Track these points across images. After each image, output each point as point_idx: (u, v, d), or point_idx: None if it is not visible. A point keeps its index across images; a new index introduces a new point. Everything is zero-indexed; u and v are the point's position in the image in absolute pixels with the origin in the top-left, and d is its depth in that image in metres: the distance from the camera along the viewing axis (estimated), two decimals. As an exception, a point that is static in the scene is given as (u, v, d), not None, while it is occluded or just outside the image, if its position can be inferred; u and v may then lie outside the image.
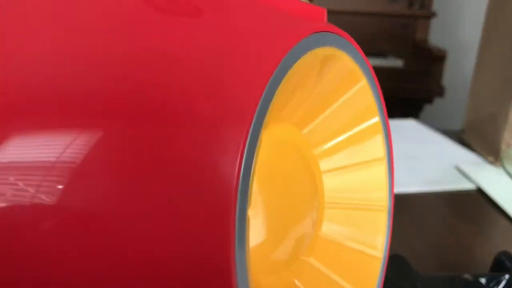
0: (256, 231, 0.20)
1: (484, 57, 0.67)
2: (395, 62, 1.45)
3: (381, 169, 0.26)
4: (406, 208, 0.47)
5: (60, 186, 0.14)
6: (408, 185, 0.51)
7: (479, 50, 0.68)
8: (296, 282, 0.23)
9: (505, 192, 0.50)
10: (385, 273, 0.31)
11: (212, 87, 0.14)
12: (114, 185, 0.14)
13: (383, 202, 0.26)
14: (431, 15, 1.49)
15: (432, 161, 0.60)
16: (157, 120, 0.14)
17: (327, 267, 0.24)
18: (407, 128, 0.74)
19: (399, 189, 0.50)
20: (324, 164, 0.26)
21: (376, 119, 0.25)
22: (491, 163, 0.59)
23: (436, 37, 1.57)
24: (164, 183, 0.13)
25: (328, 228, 0.25)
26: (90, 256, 0.14)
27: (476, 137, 0.67)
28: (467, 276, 0.30)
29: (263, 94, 0.14)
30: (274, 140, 0.22)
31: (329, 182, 0.26)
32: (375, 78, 0.24)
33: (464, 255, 0.38)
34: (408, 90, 1.44)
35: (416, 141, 0.68)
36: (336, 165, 0.26)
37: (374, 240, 0.26)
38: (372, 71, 0.24)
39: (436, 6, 1.53)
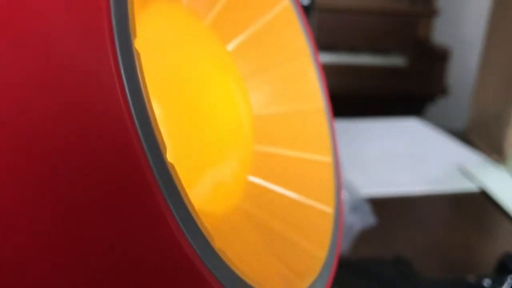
0: None
1: (488, 55, 0.66)
2: (398, 60, 1.44)
3: (307, 63, 0.24)
4: (409, 209, 0.46)
5: None
6: (411, 185, 0.51)
7: (483, 48, 0.68)
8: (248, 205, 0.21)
9: (509, 192, 0.50)
10: (387, 273, 0.30)
11: None
12: None
13: (319, 103, 0.24)
14: (434, 12, 1.48)
15: (435, 161, 0.59)
16: None
17: (272, 183, 0.23)
18: (409, 127, 0.74)
19: (401, 189, 0.50)
20: (250, 83, 0.24)
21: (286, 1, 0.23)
22: (495, 162, 0.59)
23: (439, 35, 1.56)
24: None
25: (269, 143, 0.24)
26: None
27: (480, 136, 0.66)
28: (470, 277, 0.30)
29: None
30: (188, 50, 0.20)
31: (255, 92, 0.24)
32: None
33: (468, 256, 0.38)
34: (411, 89, 1.44)
35: (419, 140, 0.68)
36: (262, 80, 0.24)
37: (320, 148, 0.24)
38: None
39: (439, 3, 1.52)
